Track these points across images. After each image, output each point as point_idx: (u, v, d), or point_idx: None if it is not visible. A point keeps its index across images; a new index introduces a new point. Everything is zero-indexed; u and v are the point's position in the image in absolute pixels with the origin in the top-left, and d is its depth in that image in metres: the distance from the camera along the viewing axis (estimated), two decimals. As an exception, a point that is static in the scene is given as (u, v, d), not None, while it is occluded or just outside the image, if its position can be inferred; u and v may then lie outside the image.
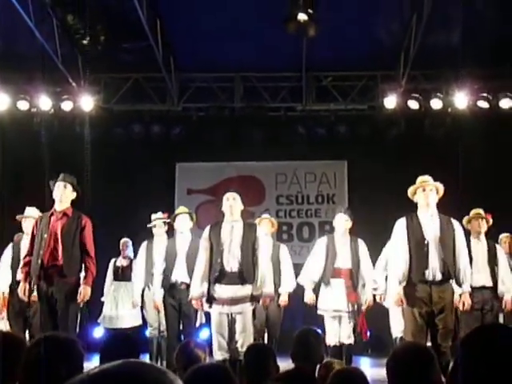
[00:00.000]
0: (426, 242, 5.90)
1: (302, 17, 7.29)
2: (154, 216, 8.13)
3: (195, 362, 3.59)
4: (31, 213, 7.52)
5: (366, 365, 8.51)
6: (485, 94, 9.80)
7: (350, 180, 11.13)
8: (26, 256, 6.52)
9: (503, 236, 8.24)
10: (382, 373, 6.60)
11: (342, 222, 7.50)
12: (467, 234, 6.72)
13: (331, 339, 7.37)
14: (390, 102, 9.98)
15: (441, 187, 6.06)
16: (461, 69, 9.45)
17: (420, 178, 6.14)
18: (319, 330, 5.58)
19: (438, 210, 6.01)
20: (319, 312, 7.48)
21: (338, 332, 7.40)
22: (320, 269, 7.36)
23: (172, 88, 10.60)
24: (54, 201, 6.47)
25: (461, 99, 9.69)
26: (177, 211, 7.55)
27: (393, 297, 6.04)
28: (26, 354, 2.44)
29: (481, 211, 7.31)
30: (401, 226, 6.09)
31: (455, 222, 6.03)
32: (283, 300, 7.70)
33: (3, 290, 7.42)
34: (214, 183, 11.25)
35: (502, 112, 9.89)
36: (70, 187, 6.51)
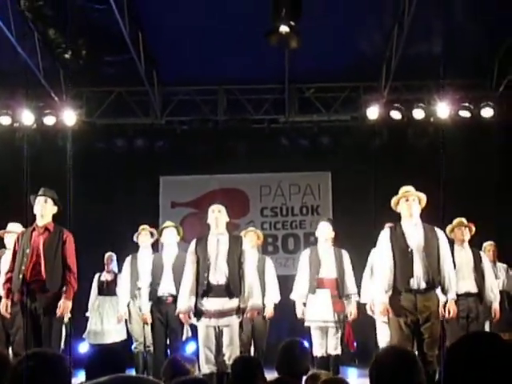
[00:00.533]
0: (410, 251, 5.92)
1: (283, 29, 7.29)
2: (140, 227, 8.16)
3: (184, 375, 3.58)
4: (14, 228, 7.50)
5: (353, 375, 8.53)
6: (466, 104, 9.88)
7: (334, 191, 11.16)
8: (7, 272, 6.49)
9: (487, 244, 8.30)
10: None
11: (325, 230, 7.54)
12: (451, 242, 6.76)
13: (318, 350, 7.37)
14: (373, 112, 10.02)
15: (423, 197, 6.10)
16: (442, 79, 9.52)
17: (403, 189, 6.17)
18: (305, 342, 5.59)
19: (422, 220, 6.03)
20: (306, 323, 7.48)
21: (325, 343, 7.40)
22: (306, 281, 7.37)
23: (155, 101, 10.62)
24: (35, 216, 6.45)
25: (443, 109, 9.76)
26: (164, 225, 7.58)
27: (378, 307, 6.04)
28: (11, 371, 2.42)
29: (464, 220, 7.34)
30: (385, 236, 6.12)
31: (439, 231, 6.05)
32: (269, 312, 7.70)
33: None
34: (198, 196, 11.25)
35: (483, 121, 9.99)
36: (50, 201, 6.50)
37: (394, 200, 6.16)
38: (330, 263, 7.49)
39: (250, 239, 7.66)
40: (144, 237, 8.08)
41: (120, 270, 8.56)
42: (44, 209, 6.45)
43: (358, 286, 7.59)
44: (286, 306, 8.38)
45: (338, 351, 7.40)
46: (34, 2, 8.54)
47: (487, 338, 2.02)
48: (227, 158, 10.93)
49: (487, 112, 9.92)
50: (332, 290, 7.39)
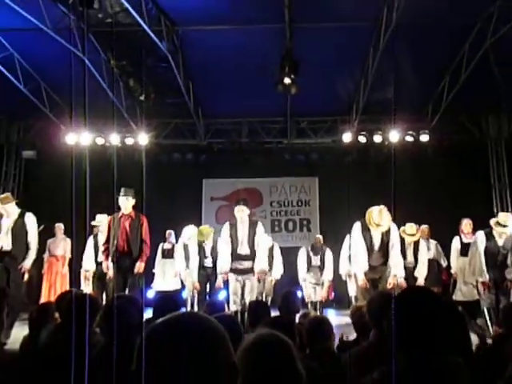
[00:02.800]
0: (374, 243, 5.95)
1: (287, 81, 7.32)
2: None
3: (219, 311, 3.61)
4: (101, 218, 7.62)
5: (332, 315, 8.49)
6: (410, 132, 9.86)
7: (320, 190, 11.17)
8: (104, 243, 6.60)
9: (424, 227, 8.21)
10: (342, 320, 6.65)
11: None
12: (402, 239, 6.73)
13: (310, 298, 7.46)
14: (347, 137, 10.02)
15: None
16: (394, 114, 9.51)
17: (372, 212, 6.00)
18: (298, 291, 5.62)
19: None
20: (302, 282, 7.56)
21: (314, 294, 7.45)
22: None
23: (200, 129, 10.66)
24: (119, 207, 6.55)
25: (394, 135, 9.74)
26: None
27: (360, 281, 5.91)
28: (104, 307, 2.46)
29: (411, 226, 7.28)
30: (357, 229, 6.04)
31: (392, 228, 5.98)
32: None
33: (92, 268, 7.62)
34: (229, 193, 11.28)
35: (421, 144, 9.95)
36: (130, 198, 6.56)
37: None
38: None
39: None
40: None
41: (177, 241, 8.61)
42: (126, 203, 6.52)
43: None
44: (286, 268, 8.46)
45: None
46: (120, 62, 8.62)
47: (423, 291, 2.03)
48: (248, 167, 10.99)
49: (424, 137, 9.90)
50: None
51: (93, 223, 7.77)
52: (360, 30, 7.72)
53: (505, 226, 6.15)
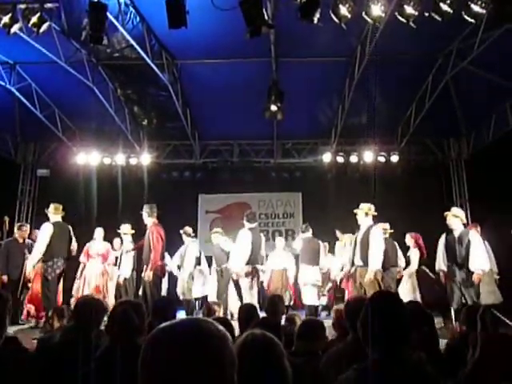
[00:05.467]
0: (356, 243, 5.92)
1: (273, 108, 7.36)
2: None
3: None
4: (125, 228, 7.82)
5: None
6: (382, 153, 9.92)
7: (303, 204, 11.17)
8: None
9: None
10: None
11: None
12: None
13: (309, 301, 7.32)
14: (327, 157, 10.05)
15: (366, 209, 6.00)
16: (367, 137, 9.60)
17: (360, 205, 6.04)
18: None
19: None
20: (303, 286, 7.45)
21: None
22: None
23: (196, 150, 10.64)
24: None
25: (368, 156, 9.80)
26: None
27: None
28: (112, 310, 2.40)
29: (386, 226, 7.24)
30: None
31: (373, 229, 5.91)
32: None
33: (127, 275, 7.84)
34: (221, 207, 11.23)
35: (391, 163, 10.00)
36: (147, 213, 6.44)
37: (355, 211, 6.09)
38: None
39: None
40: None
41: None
42: (145, 218, 6.41)
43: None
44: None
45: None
46: (126, 91, 8.64)
47: (390, 295, 2.02)
48: (238, 184, 10.94)
49: (394, 158, 9.95)
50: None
51: (120, 231, 7.85)
52: (337, 64, 7.83)
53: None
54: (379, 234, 5.88)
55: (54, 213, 6.48)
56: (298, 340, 2.88)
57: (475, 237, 5.77)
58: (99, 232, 7.73)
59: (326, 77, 8.08)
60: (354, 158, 10.00)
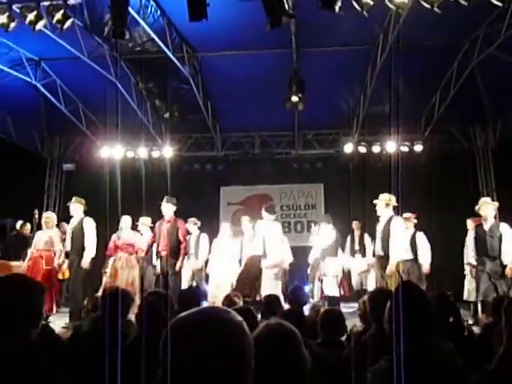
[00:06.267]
0: (377, 234, 5.85)
1: (294, 99, 7.31)
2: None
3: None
4: (145, 221, 7.76)
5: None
6: (405, 142, 9.74)
7: (325, 195, 11.09)
8: (149, 246, 6.74)
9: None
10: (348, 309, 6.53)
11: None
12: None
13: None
14: (348, 148, 9.93)
15: (386, 200, 5.93)
16: (390, 127, 9.44)
17: (379, 196, 5.99)
18: (305, 286, 5.56)
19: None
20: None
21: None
22: None
23: (217, 142, 10.66)
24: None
25: (391, 145, 9.64)
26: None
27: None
28: (141, 301, 2.42)
29: (409, 215, 7.15)
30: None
31: (394, 220, 5.84)
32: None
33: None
34: (243, 198, 11.23)
35: (415, 153, 9.82)
36: (170, 205, 6.56)
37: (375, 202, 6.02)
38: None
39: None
40: None
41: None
42: (166, 210, 6.49)
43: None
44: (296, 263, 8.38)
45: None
46: (147, 85, 8.72)
47: (414, 286, 2.00)
48: (260, 175, 10.92)
49: (418, 147, 9.75)
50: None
51: (139, 223, 7.80)
52: (359, 52, 7.71)
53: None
54: (400, 225, 5.85)
55: (84, 207, 6.64)
56: (321, 330, 2.89)
57: (507, 229, 5.69)
58: (126, 220, 7.20)
59: (348, 66, 7.97)
60: (376, 148, 9.84)
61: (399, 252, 5.63)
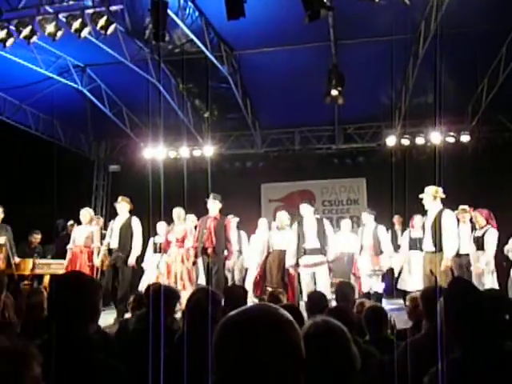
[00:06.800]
0: (426, 228, 5.65)
1: (334, 92, 7.20)
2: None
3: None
4: (191, 218, 7.60)
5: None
6: (451, 133, 9.38)
7: (367, 189, 10.87)
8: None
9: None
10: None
11: (367, 216, 7.37)
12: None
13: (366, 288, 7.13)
14: (391, 141, 9.68)
15: (434, 193, 5.72)
16: (435, 117, 9.12)
17: (425, 189, 5.80)
18: (352, 282, 5.45)
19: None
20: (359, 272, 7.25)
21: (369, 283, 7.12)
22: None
23: (257, 139, 10.67)
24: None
25: (435, 137, 9.31)
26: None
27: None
28: (188, 299, 2.44)
29: (466, 207, 6.86)
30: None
31: (445, 213, 5.61)
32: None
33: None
34: (284, 195, 11.19)
35: (462, 144, 9.44)
36: (217, 202, 6.59)
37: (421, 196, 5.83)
38: (369, 235, 7.26)
39: None
40: None
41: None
42: (213, 206, 6.55)
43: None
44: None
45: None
46: (187, 85, 8.84)
47: (468, 282, 1.91)
48: (301, 171, 10.82)
49: (465, 138, 9.35)
50: (370, 251, 7.15)
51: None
52: (399, 42, 7.47)
53: None
54: (453, 218, 5.62)
55: (130, 206, 6.79)
56: (367, 327, 2.83)
57: None
58: (178, 213, 6.97)
59: (388, 56, 7.71)
60: (420, 140, 9.54)
61: (454, 247, 5.41)
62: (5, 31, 5.87)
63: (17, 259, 7.05)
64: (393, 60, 7.88)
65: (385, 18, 6.48)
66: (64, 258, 7.17)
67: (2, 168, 8.61)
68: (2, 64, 7.49)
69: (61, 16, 5.79)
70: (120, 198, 6.91)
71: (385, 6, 5.05)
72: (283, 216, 7.05)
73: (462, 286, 1.69)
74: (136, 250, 6.54)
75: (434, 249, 5.48)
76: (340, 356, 1.37)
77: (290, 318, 0.96)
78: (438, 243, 5.43)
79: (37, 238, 8.36)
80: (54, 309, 1.70)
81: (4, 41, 5.92)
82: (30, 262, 7.23)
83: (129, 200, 6.88)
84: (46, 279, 7.24)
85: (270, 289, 6.04)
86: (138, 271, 7.53)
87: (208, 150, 10.15)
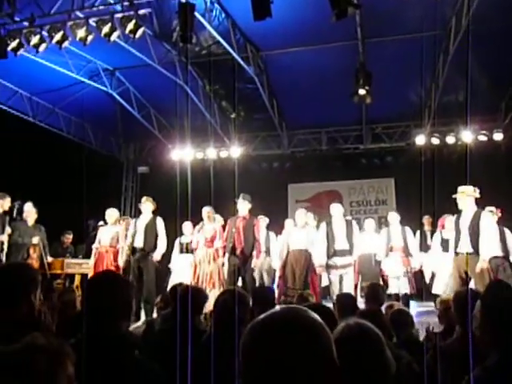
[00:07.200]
0: (460, 229, 5.44)
1: (361, 92, 7.09)
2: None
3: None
4: (219, 219, 7.58)
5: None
6: (483, 131, 9.11)
7: (396, 190, 10.67)
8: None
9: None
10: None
11: (395, 216, 7.21)
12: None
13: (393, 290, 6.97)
14: (420, 140, 9.46)
15: (471, 193, 5.54)
16: (466, 116, 8.86)
17: (458, 188, 5.63)
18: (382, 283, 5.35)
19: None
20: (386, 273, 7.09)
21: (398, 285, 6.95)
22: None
23: (284, 140, 10.63)
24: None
25: (467, 135, 9.06)
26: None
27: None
28: (215, 300, 2.43)
29: (493, 208, 6.62)
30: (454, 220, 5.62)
31: (483, 214, 5.44)
32: None
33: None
34: (311, 196, 11.10)
35: (495, 142, 9.16)
36: (246, 202, 6.60)
37: (455, 196, 5.64)
38: (398, 236, 7.10)
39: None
40: None
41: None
42: (242, 207, 6.57)
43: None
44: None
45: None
46: (214, 86, 8.89)
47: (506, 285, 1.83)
48: (328, 172, 10.73)
49: (498, 136, 9.09)
50: (400, 253, 6.98)
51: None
52: (429, 38, 7.28)
53: None
54: (492, 219, 5.48)
55: (154, 206, 6.85)
56: (395, 330, 2.77)
57: None
58: (207, 212, 6.90)
59: (417, 54, 7.54)
60: (450, 139, 9.31)
61: (492, 248, 5.25)
62: (38, 37, 6.04)
63: (50, 259, 7.23)
64: (422, 57, 7.72)
65: (413, 14, 6.35)
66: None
67: (36, 170, 8.87)
68: (35, 69, 7.71)
69: (91, 21, 5.91)
70: (144, 199, 6.98)
71: (413, 1, 4.92)
72: (301, 214, 6.94)
73: (502, 289, 1.62)
74: (161, 249, 6.59)
75: (471, 250, 5.29)
76: (374, 360, 1.33)
77: (321, 321, 0.94)
78: (475, 244, 5.25)
79: (69, 238, 8.58)
80: (88, 308, 1.73)
81: (37, 46, 6.08)
82: (62, 262, 7.41)
83: (152, 200, 6.94)
84: (78, 278, 7.42)
85: (291, 291, 6.00)
86: (165, 271, 7.59)
87: (235, 150, 10.17)
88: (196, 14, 5.60)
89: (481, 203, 5.89)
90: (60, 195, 9.14)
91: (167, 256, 7.42)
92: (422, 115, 9.54)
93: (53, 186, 9.15)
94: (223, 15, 6.76)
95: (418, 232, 7.90)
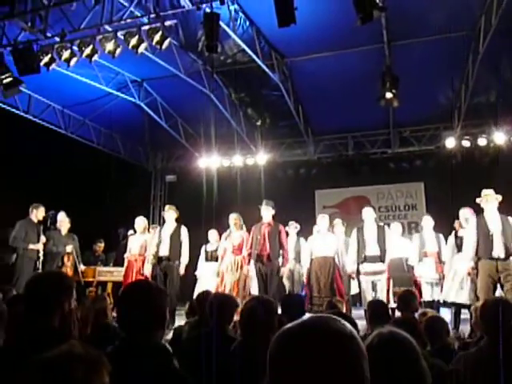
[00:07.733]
0: (491, 234, 5.30)
1: (388, 95, 6.99)
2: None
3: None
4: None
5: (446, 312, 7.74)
6: (517, 132, 8.82)
7: (426, 194, 10.43)
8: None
9: None
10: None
11: (429, 221, 7.01)
12: None
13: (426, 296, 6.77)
14: (450, 142, 9.25)
15: (498, 197, 5.41)
16: (497, 117, 8.62)
17: (483, 192, 5.50)
18: (415, 290, 5.21)
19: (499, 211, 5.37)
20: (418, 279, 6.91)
21: (431, 292, 6.76)
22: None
23: (310, 146, 10.58)
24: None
25: (499, 137, 8.79)
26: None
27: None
28: (242, 308, 2.41)
29: None
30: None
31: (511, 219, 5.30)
32: None
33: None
34: (338, 202, 10.98)
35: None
36: (270, 209, 6.57)
37: (479, 199, 5.47)
38: (432, 241, 6.91)
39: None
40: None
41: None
42: (266, 213, 6.54)
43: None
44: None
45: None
46: (239, 95, 8.94)
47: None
48: (355, 177, 10.60)
49: (532, 137, 8.79)
50: (435, 258, 6.79)
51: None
52: (457, 39, 7.14)
53: None
54: None
55: (177, 214, 6.88)
56: (429, 338, 2.69)
57: None
58: (234, 219, 6.84)
59: (445, 55, 7.42)
60: (482, 141, 9.05)
61: None
62: (68, 51, 6.22)
63: (82, 267, 7.39)
64: (450, 59, 7.56)
65: (440, 15, 6.23)
66: (123, 265, 7.39)
67: (68, 180, 9.10)
68: (66, 83, 7.94)
69: (119, 34, 6.05)
70: (167, 207, 7.03)
71: (439, 2, 4.83)
72: (322, 220, 6.86)
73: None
74: (185, 259, 6.60)
75: (504, 255, 5.12)
76: (408, 370, 1.29)
77: (352, 330, 0.91)
78: (507, 250, 5.08)
79: (100, 246, 8.74)
80: (122, 318, 1.74)
81: (68, 60, 6.27)
82: (94, 270, 7.56)
83: (175, 208, 6.97)
84: (109, 286, 7.54)
85: (317, 299, 5.91)
86: (191, 279, 7.62)
87: (261, 157, 10.18)
88: (221, 23, 5.65)
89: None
90: (91, 204, 9.34)
91: (193, 263, 7.45)
92: (451, 117, 9.34)
93: (84, 195, 9.37)
94: (247, 23, 6.80)
95: (453, 235, 7.68)
